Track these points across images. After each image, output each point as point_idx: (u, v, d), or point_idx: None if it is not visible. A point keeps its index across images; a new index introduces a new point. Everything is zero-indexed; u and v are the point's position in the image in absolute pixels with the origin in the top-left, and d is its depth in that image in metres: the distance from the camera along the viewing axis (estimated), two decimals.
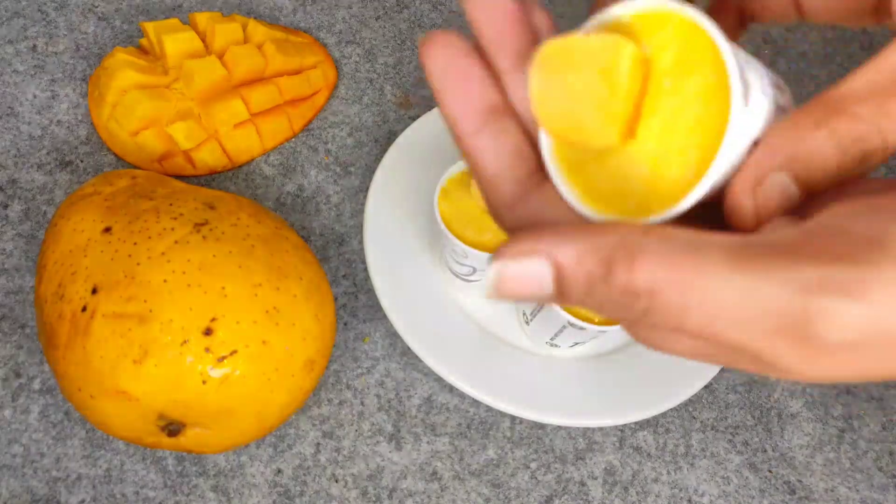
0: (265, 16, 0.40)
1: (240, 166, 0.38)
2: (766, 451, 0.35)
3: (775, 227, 0.16)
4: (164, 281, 0.27)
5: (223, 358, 0.27)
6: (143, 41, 0.38)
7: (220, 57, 0.37)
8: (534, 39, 0.18)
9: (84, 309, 0.27)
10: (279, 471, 0.33)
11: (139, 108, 0.35)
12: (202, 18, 0.37)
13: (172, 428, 0.28)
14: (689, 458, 0.34)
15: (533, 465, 0.33)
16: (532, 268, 0.15)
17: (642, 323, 0.15)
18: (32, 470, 0.32)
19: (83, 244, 0.29)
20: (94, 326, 0.27)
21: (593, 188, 0.17)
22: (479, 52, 0.18)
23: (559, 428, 0.34)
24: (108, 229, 0.29)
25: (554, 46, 0.16)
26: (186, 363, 0.27)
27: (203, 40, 0.37)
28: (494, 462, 0.33)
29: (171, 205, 0.29)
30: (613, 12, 0.16)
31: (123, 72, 0.36)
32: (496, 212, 0.18)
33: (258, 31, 0.38)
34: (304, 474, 0.33)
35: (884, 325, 0.14)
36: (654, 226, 0.15)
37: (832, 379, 0.15)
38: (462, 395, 0.34)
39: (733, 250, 0.14)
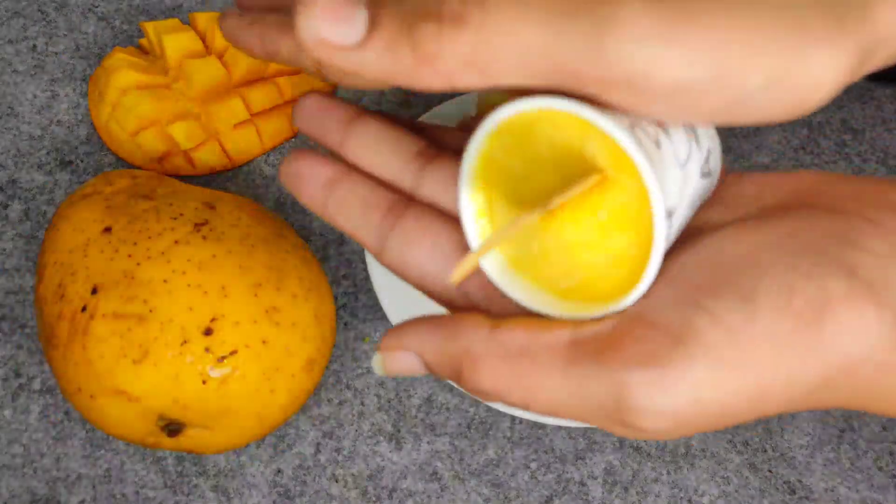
0: None
1: (240, 166, 0.38)
2: (766, 451, 0.35)
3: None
4: (164, 281, 0.27)
5: (223, 358, 0.27)
6: (143, 41, 0.38)
7: (220, 57, 0.37)
8: (355, 112, 0.20)
9: (84, 309, 0.27)
10: (279, 471, 0.33)
11: (139, 108, 0.35)
12: (202, 18, 0.37)
13: (172, 428, 0.28)
14: (689, 458, 0.34)
15: (533, 465, 0.33)
16: (406, 360, 0.18)
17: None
18: (32, 470, 0.32)
19: (83, 244, 0.29)
20: (94, 326, 0.27)
21: (523, 264, 0.18)
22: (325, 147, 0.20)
23: (559, 427, 0.34)
24: (108, 229, 0.29)
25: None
26: (186, 363, 0.27)
27: (203, 40, 0.37)
28: (494, 462, 0.33)
29: (171, 205, 0.29)
30: (547, 103, 0.16)
31: (123, 72, 0.36)
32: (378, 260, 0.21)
33: None
34: (304, 474, 0.33)
35: (688, 414, 0.16)
36: (498, 329, 0.17)
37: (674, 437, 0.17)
38: (462, 395, 0.34)
39: (563, 350, 0.17)
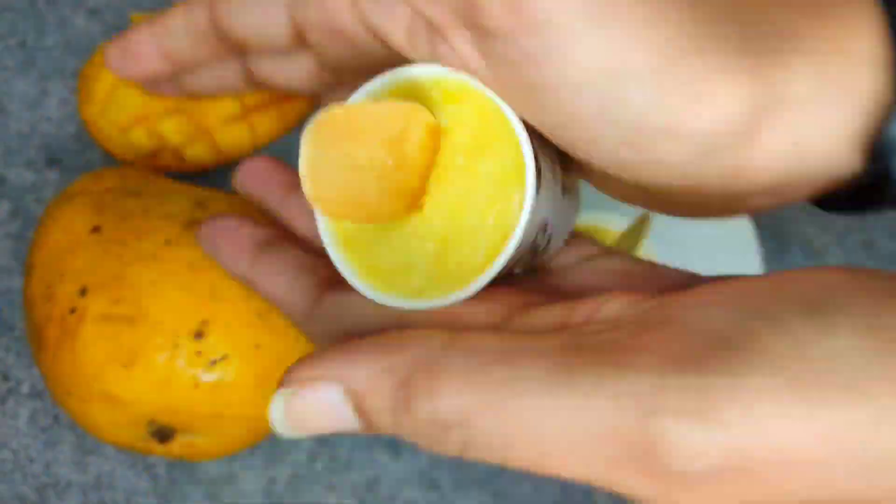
0: None
1: (232, 163, 0.37)
2: None
3: (609, 311, 0.13)
4: (154, 282, 0.27)
5: (215, 362, 0.27)
6: None
7: None
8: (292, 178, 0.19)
9: (73, 311, 0.27)
10: (273, 479, 0.32)
11: (129, 104, 0.35)
12: None
13: (163, 433, 0.28)
14: None
15: (536, 475, 0.33)
16: (324, 398, 0.13)
17: (471, 458, 0.12)
18: (22, 475, 0.31)
19: (72, 244, 0.28)
20: (83, 329, 0.27)
21: (375, 265, 0.16)
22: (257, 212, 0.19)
23: None
24: (96, 228, 0.28)
25: (333, 114, 0.15)
26: (177, 367, 0.27)
27: None
28: (496, 471, 0.33)
29: (161, 203, 0.29)
30: (413, 71, 0.15)
31: None
32: (302, 330, 0.17)
33: None
34: (299, 483, 0.32)
35: (746, 452, 0.11)
36: (460, 336, 0.13)
37: None
38: None
39: (554, 357, 0.12)
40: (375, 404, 0.13)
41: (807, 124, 0.14)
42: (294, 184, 0.18)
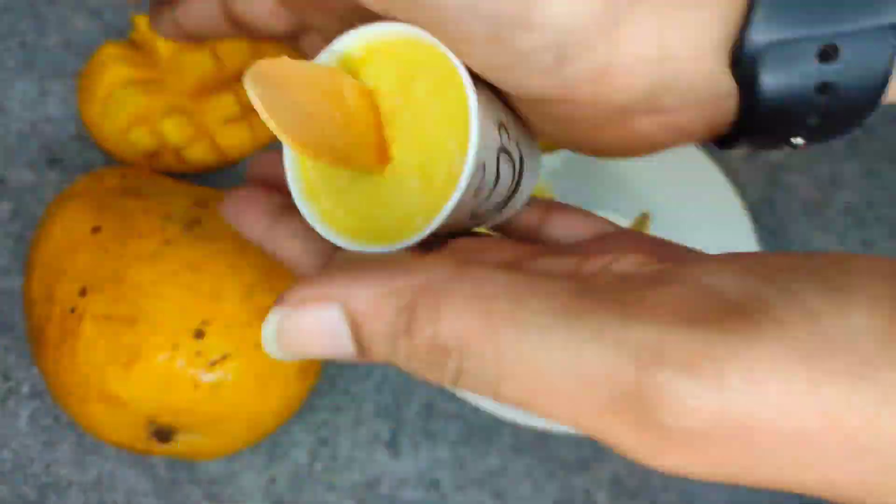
0: None
1: (233, 163, 0.37)
2: None
3: (622, 266, 0.13)
4: (155, 282, 0.27)
5: (215, 362, 0.27)
6: (135, 35, 0.37)
7: (213, 50, 0.36)
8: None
9: (73, 311, 0.27)
10: (273, 479, 0.32)
11: (129, 104, 0.35)
12: None
13: (163, 433, 0.28)
14: None
15: (536, 474, 0.33)
16: (323, 318, 0.12)
17: (463, 388, 0.12)
18: (22, 476, 0.31)
19: (72, 244, 0.28)
20: (83, 329, 0.26)
21: (348, 212, 0.16)
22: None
23: (564, 435, 0.33)
24: (97, 229, 0.28)
25: (271, 65, 0.15)
26: (177, 367, 0.26)
27: None
28: (497, 470, 0.33)
29: (161, 203, 0.29)
30: (336, 48, 0.16)
31: (114, 67, 0.35)
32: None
33: None
34: (299, 482, 0.32)
35: (741, 417, 0.10)
36: (468, 266, 0.12)
37: (690, 474, 0.11)
38: (463, 402, 0.33)
39: (563, 297, 0.11)
40: (375, 328, 0.12)
41: (667, 27, 0.14)
42: (279, 211, 0.18)
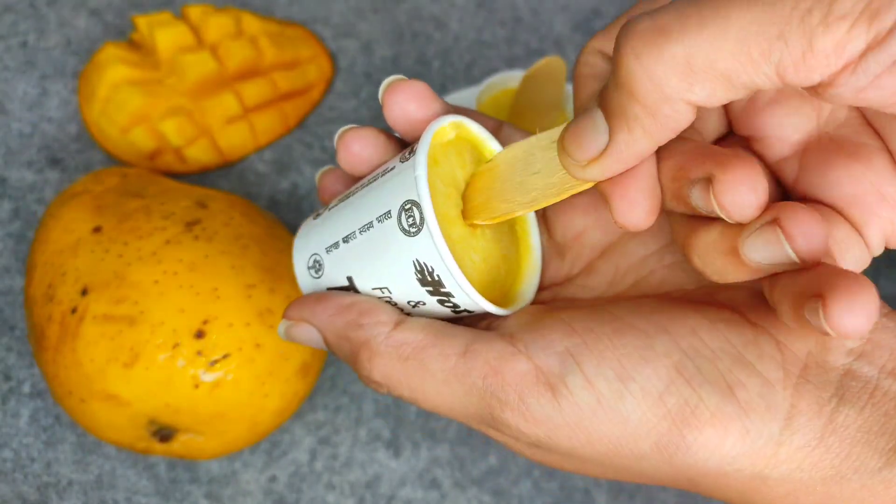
0: (259, 8, 0.40)
1: (233, 163, 0.37)
2: None
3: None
4: (155, 282, 0.27)
5: (215, 362, 0.27)
6: (135, 35, 0.37)
7: (213, 51, 0.36)
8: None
9: (74, 311, 0.27)
10: (274, 478, 0.32)
11: (130, 104, 0.35)
12: (195, 12, 0.37)
13: (164, 433, 0.28)
14: None
15: (536, 473, 0.33)
16: (308, 332, 0.20)
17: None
18: (23, 475, 0.31)
19: (73, 244, 0.28)
20: (84, 329, 0.27)
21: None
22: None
23: None
24: (98, 229, 0.28)
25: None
26: (178, 367, 0.26)
27: (196, 34, 0.36)
28: (496, 469, 0.33)
29: (162, 203, 0.29)
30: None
31: (114, 67, 0.35)
32: None
33: (252, 23, 0.37)
34: (300, 482, 0.32)
35: (549, 438, 0.17)
36: (399, 328, 0.19)
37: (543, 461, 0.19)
38: None
39: (454, 360, 0.18)
40: (337, 349, 0.19)
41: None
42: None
